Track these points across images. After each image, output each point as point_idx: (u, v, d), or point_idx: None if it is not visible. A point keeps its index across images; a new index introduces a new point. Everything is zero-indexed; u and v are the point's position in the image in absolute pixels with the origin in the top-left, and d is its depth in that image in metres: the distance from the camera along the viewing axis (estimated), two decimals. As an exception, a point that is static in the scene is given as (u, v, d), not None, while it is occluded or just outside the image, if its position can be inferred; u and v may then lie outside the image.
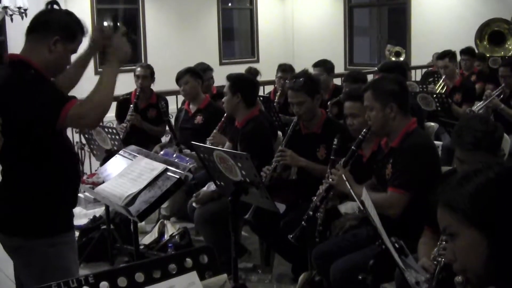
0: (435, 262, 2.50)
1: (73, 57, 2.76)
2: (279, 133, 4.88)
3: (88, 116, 2.51)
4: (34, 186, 2.54)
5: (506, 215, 1.27)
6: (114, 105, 5.83)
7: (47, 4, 2.62)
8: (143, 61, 10.74)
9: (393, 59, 9.61)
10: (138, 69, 5.71)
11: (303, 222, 3.35)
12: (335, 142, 3.49)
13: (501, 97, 5.85)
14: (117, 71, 2.70)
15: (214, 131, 4.64)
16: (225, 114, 4.64)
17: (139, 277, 1.41)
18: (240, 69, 6.89)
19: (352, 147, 3.32)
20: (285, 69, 6.26)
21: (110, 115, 6.22)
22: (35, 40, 2.56)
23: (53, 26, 2.55)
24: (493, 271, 1.29)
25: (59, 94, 2.54)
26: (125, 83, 6.56)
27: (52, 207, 2.57)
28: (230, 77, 4.38)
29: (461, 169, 2.67)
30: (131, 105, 5.56)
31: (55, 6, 2.62)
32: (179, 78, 5.30)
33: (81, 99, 2.57)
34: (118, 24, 11.71)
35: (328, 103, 5.14)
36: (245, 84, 4.37)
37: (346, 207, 3.60)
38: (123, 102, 5.72)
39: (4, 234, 2.59)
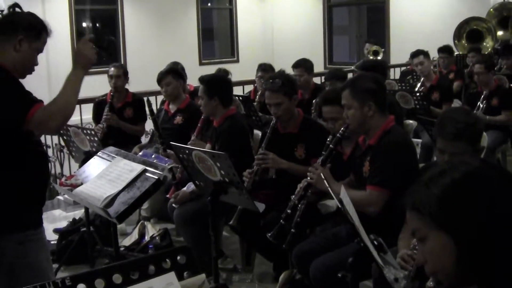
0: (414, 251, 2.53)
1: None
2: (258, 132, 4.87)
3: (52, 120, 2.59)
4: (3, 183, 2.58)
5: (471, 216, 1.26)
6: (91, 107, 5.83)
7: (9, 7, 2.72)
8: (122, 62, 10.65)
9: (371, 57, 9.66)
10: (112, 69, 5.68)
11: (281, 221, 3.36)
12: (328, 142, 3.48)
13: (481, 98, 5.90)
14: (81, 77, 2.74)
15: (193, 137, 4.61)
16: (201, 118, 4.61)
17: (117, 278, 1.41)
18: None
19: (330, 145, 3.34)
20: (265, 68, 6.26)
21: (88, 117, 6.24)
22: (1, 41, 2.64)
23: (17, 26, 2.64)
24: (463, 272, 1.29)
25: (27, 96, 2.60)
26: (101, 84, 6.55)
27: (21, 203, 2.62)
28: (204, 80, 4.35)
29: (441, 159, 2.71)
30: (107, 106, 5.54)
31: (17, 9, 2.72)
32: (160, 79, 5.27)
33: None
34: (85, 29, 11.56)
35: (314, 101, 5.13)
36: (221, 86, 4.36)
37: (332, 203, 3.59)
38: (99, 104, 5.68)
39: None
